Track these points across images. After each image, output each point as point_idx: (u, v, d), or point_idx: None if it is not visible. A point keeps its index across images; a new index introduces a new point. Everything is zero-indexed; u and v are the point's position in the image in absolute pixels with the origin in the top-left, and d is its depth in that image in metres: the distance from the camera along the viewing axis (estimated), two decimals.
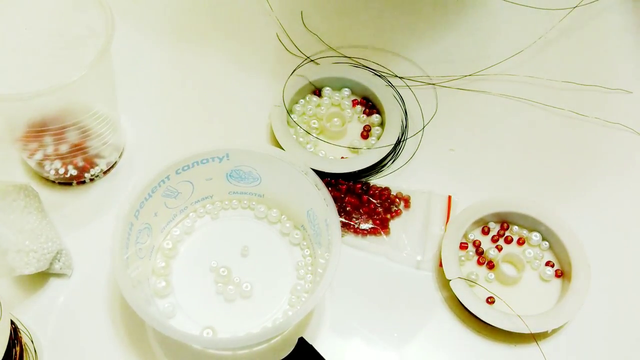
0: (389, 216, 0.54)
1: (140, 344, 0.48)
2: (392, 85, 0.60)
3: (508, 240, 0.53)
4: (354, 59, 0.62)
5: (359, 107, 0.60)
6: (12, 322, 0.41)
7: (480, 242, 0.53)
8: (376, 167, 0.57)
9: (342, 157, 0.57)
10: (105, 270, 0.50)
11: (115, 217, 0.46)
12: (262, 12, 0.67)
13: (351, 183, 0.55)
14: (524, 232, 0.53)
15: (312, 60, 0.62)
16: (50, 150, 0.50)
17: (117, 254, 0.44)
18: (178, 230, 0.52)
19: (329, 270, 0.44)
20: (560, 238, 0.51)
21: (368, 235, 0.53)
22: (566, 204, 0.55)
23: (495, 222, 0.54)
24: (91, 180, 0.55)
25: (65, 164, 0.52)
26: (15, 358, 0.42)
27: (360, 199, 0.54)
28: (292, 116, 0.59)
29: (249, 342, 0.43)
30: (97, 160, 0.54)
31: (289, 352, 0.45)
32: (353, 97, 0.60)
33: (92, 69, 0.44)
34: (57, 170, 0.52)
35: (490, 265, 0.52)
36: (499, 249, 0.53)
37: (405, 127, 0.59)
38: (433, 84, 0.62)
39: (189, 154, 0.49)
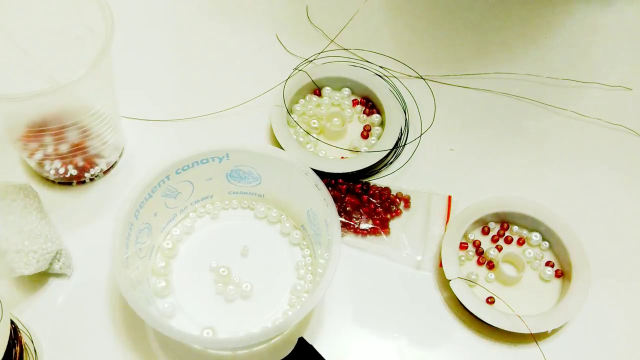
0: (389, 216, 0.54)
1: (140, 344, 0.48)
2: (392, 85, 0.60)
3: (508, 240, 0.53)
4: (353, 53, 0.62)
5: (359, 107, 0.60)
6: (12, 322, 0.41)
7: (480, 242, 0.53)
8: (376, 167, 0.57)
9: (342, 157, 0.57)
10: (105, 270, 0.50)
11: (115, 217, 0.46)
12: (262, 12, 0.67)
13: (351, 183, 0.55)
14: (524, 232, 0.53)
15: (311, 61, 0.62)
16: (50, 150, 0.50)
17: (117, 254, 0.44)
18: (178, 230, 0.52)
19: (329, 270, 0.44)
20: (560, 238, 0.51)
21: (368, 235, 0.53)
22: (566, 204, 0.55)
23: (495, 222, 0.54)
24: (91, 180, 0.55)
25: (65, 164, 0.52)
26: (15, 358, 0.42)
27: (360, 199, 0.54)
28: (292, 116, 0.59)
29: (249, 342, 0.43)
30: (97, 160, 0.54)
31: (289, 352, 0.45)
32: (353, 97, 0.60)
33: (92, 69, 0.44)
34: (57, 170, 0.52)
35: (490, 265, 0.52)
36: (499, 249, 0.53)
37: (406, 126, 0.59)
38: (424, 79, 0.62)
39: (189, 154, 0.49)
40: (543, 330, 0.48)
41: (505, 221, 0.53)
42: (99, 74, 0.47)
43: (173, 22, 0.66)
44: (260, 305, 0.49)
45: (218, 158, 0.50)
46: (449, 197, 0.54)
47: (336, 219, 0.46)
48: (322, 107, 0.59)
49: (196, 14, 0.67)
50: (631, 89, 0.63)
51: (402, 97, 0.60)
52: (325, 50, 0.63)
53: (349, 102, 0.60)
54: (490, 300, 0.50)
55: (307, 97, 0.60)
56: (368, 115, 0.59)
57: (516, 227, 0.53)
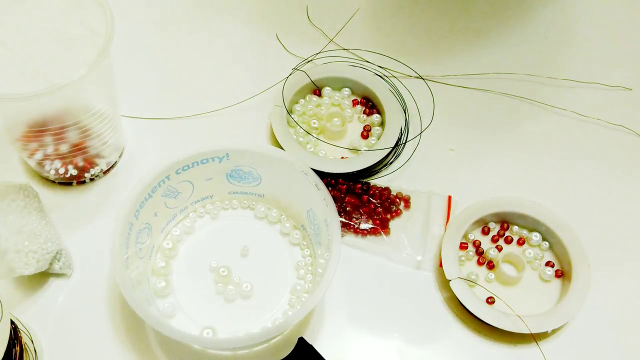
0: (389, 216, 0.54)
1: (140, 344, 0.48)
2: (392, 85, 0.60)
3: (508, 240, 0.53)
4: (353, 53, 0.62)
5: (359, 107, 0.60)
6: (12, 322, 0.41)
7: (480, 242, 0.53)
8: (376, 167, 0.57)
9: (342, 157, 0.57)
10: (105, 270, 0.50)
11: (115, 217, 0.46)
12: (262, 12, 0.67)
13: (351, 183, 0.55)
14: (524, 232, 0.53)
15: (310, 61, 0.62)
16: (50, 150, 0.50)
17: (117, 254, 0.44)
18: (178, 230, 0.52)
19: (329, 270, 0.44)
20: (560, 238, 0.51)
21: (368, 235, 0.53)
22: (566, 204, 0.55)
23: (495, 222, 0.54)
24: (91, 180, 0.55)
25: (65, 164, 0.52)
26: (15, 358, 0.42)
27: (360, 199, 0.54)
28: (292, 116, 0.59)
29: (249, 342, 0.43)
30: (97, 160, 0.54)
31: (289, 352, 0.45)
32: (353, 97, 0.60)
33: (92, 69, 0.44)
34: (57, 170, 0.52)
35: (490, 265, 0.52)
36: (499, 249, 0.53)
37: (406, 126, 0.59)
38: (424, 79, 0.62)
39: (189, 154, 0.49)
40: (543, 330, 0.48)
41: (505, 221, 0.53)
42: (99, 74, 0.47)
43: (173, 22, 0.66)
44: (260, 305, 0.49)
45: (218, 158, 0.50)
46: (449, 197, 0.54)
47: (336, 219, 0.46)
48: (322, 107, 0.59)
49: (196, 14, 0.67)
50: (631, 89, 0.63)
51: (402, 97, 0.60)
52: (324, 50, 0.63)
53: (349, 102, 0.60)
54: (490, 300, 0.50)
55: (307, 97, 0.60)
56: (368, 115, 0.59)
57: (516, 227, 0.53)
